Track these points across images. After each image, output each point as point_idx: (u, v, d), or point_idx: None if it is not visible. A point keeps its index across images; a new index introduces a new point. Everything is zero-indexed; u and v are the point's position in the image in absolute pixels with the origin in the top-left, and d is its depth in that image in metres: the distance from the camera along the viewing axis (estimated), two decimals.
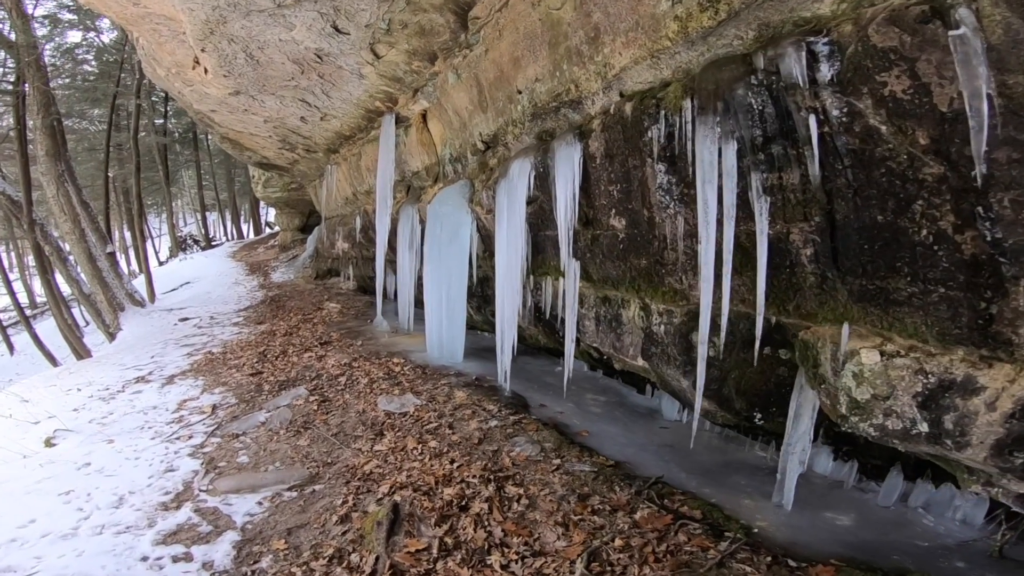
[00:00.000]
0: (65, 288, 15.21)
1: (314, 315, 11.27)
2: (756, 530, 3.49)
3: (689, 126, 3.37)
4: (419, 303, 9.62)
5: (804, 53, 2.69)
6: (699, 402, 3.60)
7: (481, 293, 7.67)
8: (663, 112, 3.63)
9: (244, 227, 33.15)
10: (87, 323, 16.94)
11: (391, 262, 11.26)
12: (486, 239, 7.03)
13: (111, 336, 12.90)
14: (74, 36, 27.91)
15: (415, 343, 8.38)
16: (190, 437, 5.62)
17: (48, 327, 16.93)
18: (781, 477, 3.76)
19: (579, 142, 4.57)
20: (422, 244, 8.98)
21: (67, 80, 25.83)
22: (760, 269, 3.00)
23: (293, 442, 5.10)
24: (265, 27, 7.30)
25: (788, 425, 3.54)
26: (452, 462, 4.28)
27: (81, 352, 13.40)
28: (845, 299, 2.88)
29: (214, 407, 6.35)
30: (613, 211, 4.38)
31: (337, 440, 5.00)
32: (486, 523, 3.42)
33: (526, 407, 5.58)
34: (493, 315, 7.87)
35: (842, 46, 2.57)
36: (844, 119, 2.62)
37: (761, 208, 2.99)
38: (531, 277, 6.01)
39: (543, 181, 5.14)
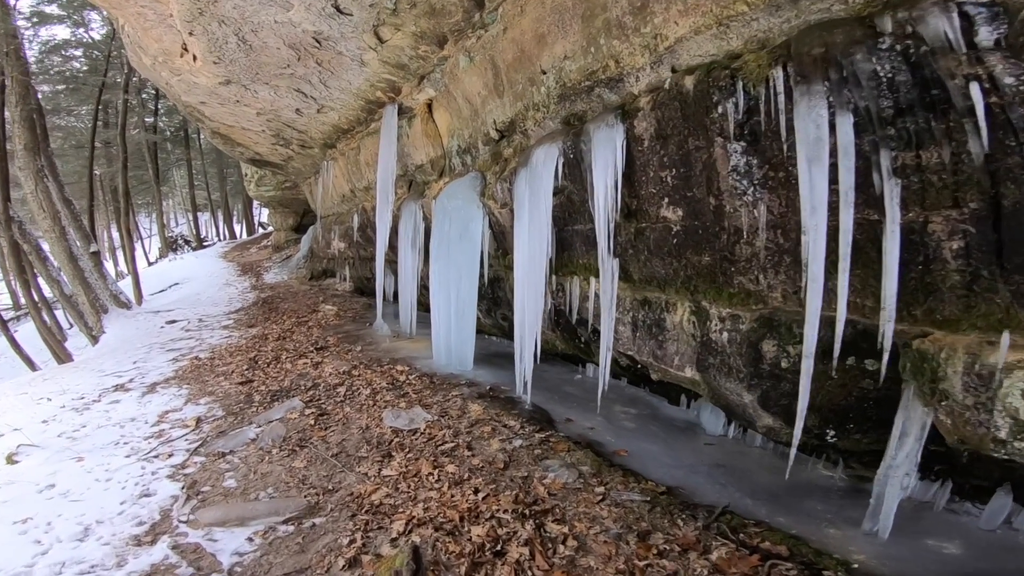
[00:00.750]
0: (48, 290, 14.39)
1: (309, 318, 10.57)
2: (856, 566, 2.87)
3: (780, 98, 2.76)
4: (422, 306, 8.97)
5: (955, 15, 2.15)
6: (800, 423, 2.96)
7: (491, 295, 7.02)
8: (740, 84, 3.01)
9: (237, 227, 32.34)
10: (71, 325, 16.12)
11: (391, 262, 10.58)
12: (499, 236, 6.37)
13: (94, 339, 12.14)
14: (63, 32, 27.21)
15: (419, 348, 7.71)
16: (170, 455, 4.94)
17: (31, 329, 16.10)
18: (876, 503, 3.14)
19: (621, 123, 3.94)
20: (426, 242, 8.34)
21: (55, 72, 25.03)
22: (891, 266, 2.38)
23: (288, 463, 4.42)
24: (260, 6, 6.63)
25: (891, 445, 2.92)
26: (476, 491, 3.61)
27: (62, 356, 12.63)
28: (1008, 302, 2.25)
29: (198, 420, 5.65)
30: (665, 200, 3.75)
31: (339, 462, 4.32)
32: (530, 574, 2.76)
33: (551, 422, 4.93)
34: (505, 318, 7.22)
35: (1009, 8, 2.02)
36: (1022, 88, 2.03)
37: (891, 192, 2.38)
38: (553, 277, 5.36)
39: (573, 169, 4.50)
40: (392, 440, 4.57)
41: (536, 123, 5.29)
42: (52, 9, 24.38)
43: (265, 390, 6.29)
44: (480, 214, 6.37)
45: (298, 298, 13.34)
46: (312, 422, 5.16)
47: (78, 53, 26.61)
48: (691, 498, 3.62)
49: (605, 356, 4.46)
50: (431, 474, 3.89)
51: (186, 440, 5.24)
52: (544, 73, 4.95)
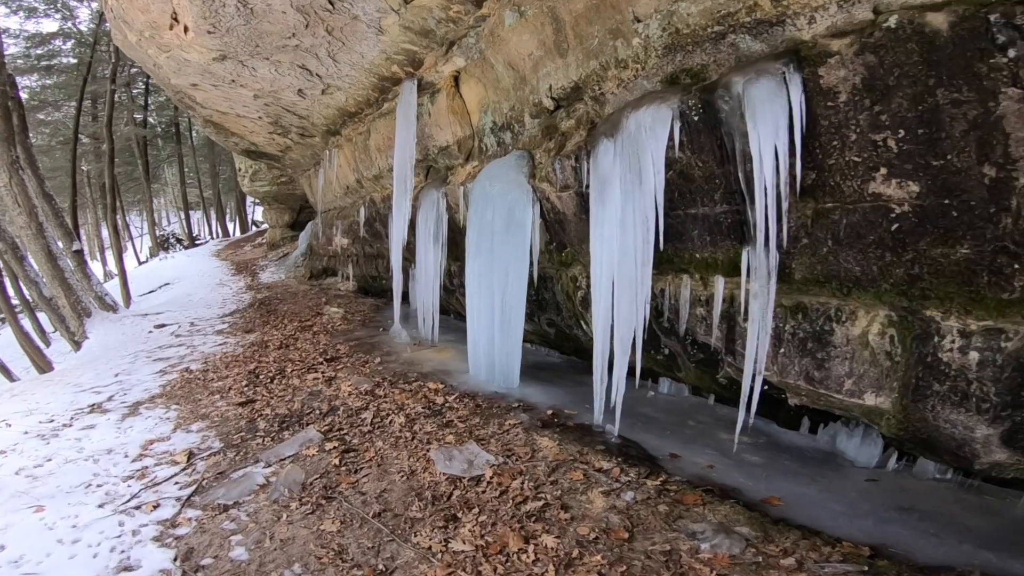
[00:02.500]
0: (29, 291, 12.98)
1: (313, 322, 9.31)
2: None
3: None
4: (445, 309, 7.74)
5: None
6: None
7: (536, 297, 5.82)
8: None
9: (230, 225, 30.80)
10: (56, 329, 14.69)
11: (405, 260, 9.35)
12: (555, 225, 5.17)
13: (76, 345, 10.80)
14: (50, 26, 25.67)
15: (447, 360, 6.51)
16: (156, 506, 3.74)
17: (10, 335, 14.64)
18: None
19: (797, 72, 2.76)
20: (450, 236, 7.14)
21: (42, 66, 23.53)
22: None
23: (315, 525, 3.20)
24: None
25: None
26: None
27: (41, 364, 11.27)
28: None
29: (191, 454, 4.42)
30: (882, 172, 2.57)
31: (385, 526, 3.11)
32: None
33: (652, 460, 3.75)
34: (551, 324, 6.03)
35: None
36: None
37: None
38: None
39: (698, 136, 3.32)
40: (451, 493, 3.35)
41: (621, 84, 4.10)
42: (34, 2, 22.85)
43: (271, 414, 5.05)
44: (528, 200, 5.17)
45: (298, 299, 12.06)
46: (336, 461, 3.94)
47: (66, 47, 25.09)
48: (913, 559, 2.53)
49: (752, 383, 3.27)
50: (523, 550, 2.69)
51: (176, 484, 4.01)
52: (639, 21, 3.75)
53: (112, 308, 12.16)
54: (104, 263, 28.16)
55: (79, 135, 24.40)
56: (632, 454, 3.78)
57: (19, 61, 24.09)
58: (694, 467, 3.63)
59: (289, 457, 4.12)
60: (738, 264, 3.37)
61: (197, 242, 26.43)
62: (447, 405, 4.85)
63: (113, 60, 17.38)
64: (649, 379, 5.47)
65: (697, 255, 3.73)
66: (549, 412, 4.64)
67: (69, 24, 24.33)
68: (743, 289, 3.29)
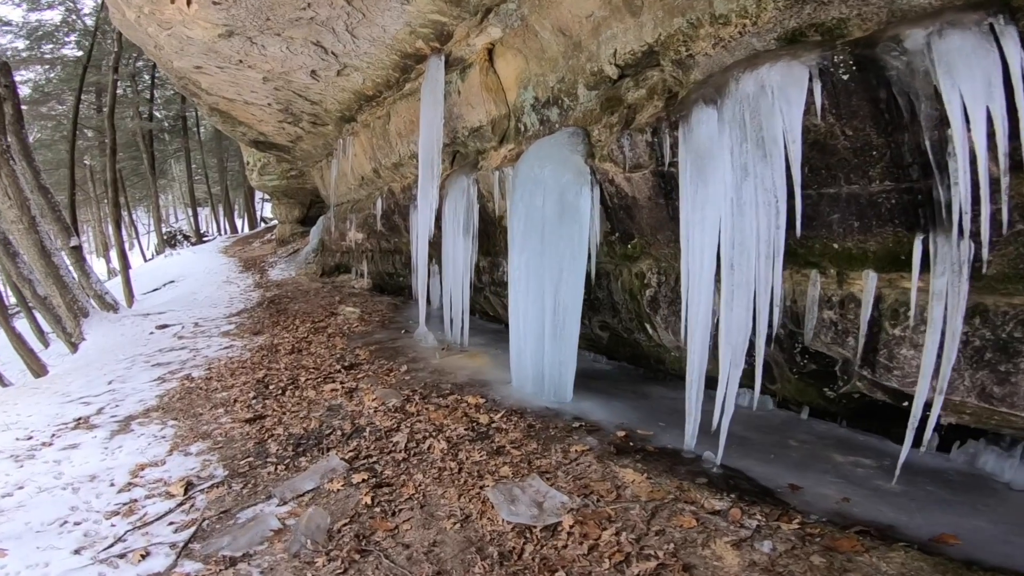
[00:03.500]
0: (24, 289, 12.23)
1: (327, 322, 8.53)
2: None
3: None
4: (471, 309, 6.95)
5: None
6: None
7: (588, 296, 5.01)
8: None
9: (238, 222, 30.06)
10: (53, 330, 13.97)
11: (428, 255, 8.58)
12: (618, 211, 4.38)
13: (73, 347, 10.06)
14: (54, 17, 25.01)
15: (481, 367, 5.71)
16: (145, 555, 3.01)
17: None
18: None
19: (1011, 23, 2.02)
20: (481, 228, 6.35)
21: (45, 55, 22.89)
22: None
23: None
24: None
25: None
26: None
27: (36, 368, 10.54)
28: None
29: (189, 485, 3.64)
30: None
31: None
32: None
33: (769, 494, 2.95)
34: (604, 327, 5.23)
35: None
36: None
37: None
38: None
39: (847, 98, 2.53)
40: (522, 549, 2.56)
41: (719, 44, 3.30)
42: None
43: (284, 435, 4.27)
44: (585, 183, 4.37)
45: (309, 297, 11.28)
46: (368, 500, 3.15)
47: (70, 40, 24.45)
48: None
49: (920, 401, 2.47)
50: None
51: (170, 524, 3.25)
52: None
53: (112, 307, 11.42)
54: (109, 260, 27.48)
55: (83, 129, 23.76)
56: (743, 487, 2.99)
57: (23, 54, 23.49)
58: (825, 501, 2.85)
59: (309, 492, 3.34)
60: (900, 256, 2.56)
61: (204, 239, 25.71)
62: (494, 426, 4.05)
63: (116, 49, 16.67)
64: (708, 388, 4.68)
65: (835, 245, 2.91)
66: (620, 434, 3.83)
67: (73, 17, 23.69)
68: (913, 287, 2.48)
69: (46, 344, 14.04)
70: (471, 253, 6.46)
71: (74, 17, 23.89)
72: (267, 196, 33.10)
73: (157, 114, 27.71)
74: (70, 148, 14.94)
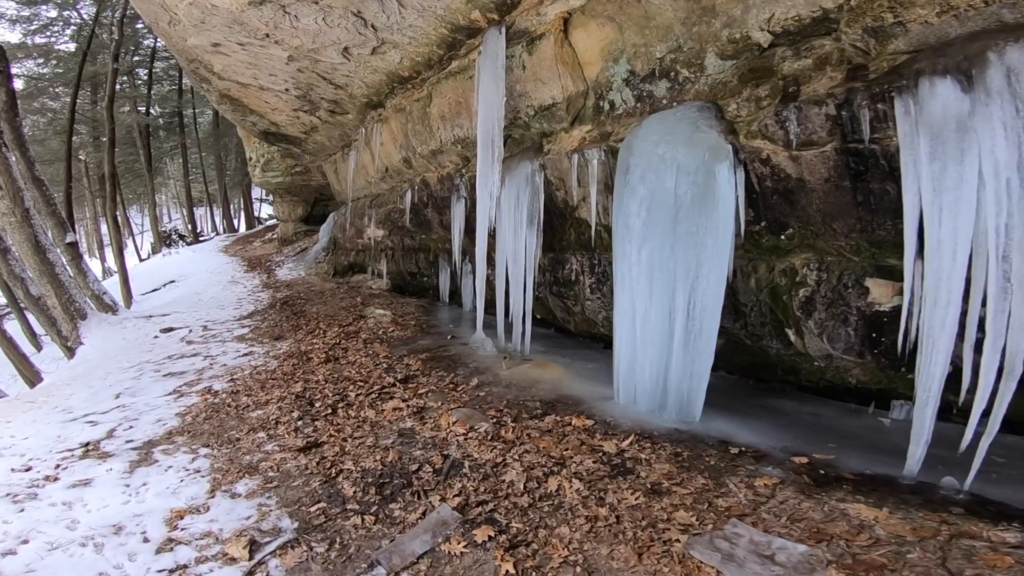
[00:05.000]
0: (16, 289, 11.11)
1: (357, 326, 7.58)
2: None
3: None
4: (540, 319, 6.05)
5: None
6: None
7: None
8: None
9: (235, 221, 28.84)
10: (46, 332, 12.84)
11: (465, 250, 7.68)
12: (772, 197, 3.52)
13: (69, 352, 9.02)
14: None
15: (559, 379, 4.82)
16: None
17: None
18: None
19: None
20: (546, 220, 5.48)
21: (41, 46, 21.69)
22: None
23: None
24: None
25: None
26: None
27: (29, 375, 9.49)
28: None
29: (251, 544, 2.71)
30: None
31: None
32: None
33: None
34: (721, 331, 4.33)
35: None
36: None
37: None
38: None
39: None
40: None
41: (948, 12, 2.59)
42: None
43: (355, 470, 3.34)
44: (726, 164, 3.50)
45: (326, 299, 10.31)
46: (509, 567, 2.28)
47: (66, 33, 23.22)
48: None
49: None
50: None
51: None
52: None
53: (111, 309, 10.39)
54: (103, 260, 26.18)
55: (78, 124, 22.52)
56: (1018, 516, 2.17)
57: (18, 53, 22.27)
58: None
59: (423, 557, 2.43)
60: None
61: (201, 238, 24.56)
62: (628, 455, 3.17)
63: (116, 38, 15.62)
64: (872, 402, 3.85)
65: None
66: (799, 461, 2.99)
67: (67, 12, 22.48)
68: None
69: (39, 347, 12.93)
70: (535, 248, 5.58)
71: (68, 11, 22.69)
72: (265, 196, 31.98)
73: (153, 111, 26.52)
74: (67, 139, 13.83)
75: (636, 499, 2.69)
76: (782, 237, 3.66)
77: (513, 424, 3.75)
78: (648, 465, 3.04)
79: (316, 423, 4.17)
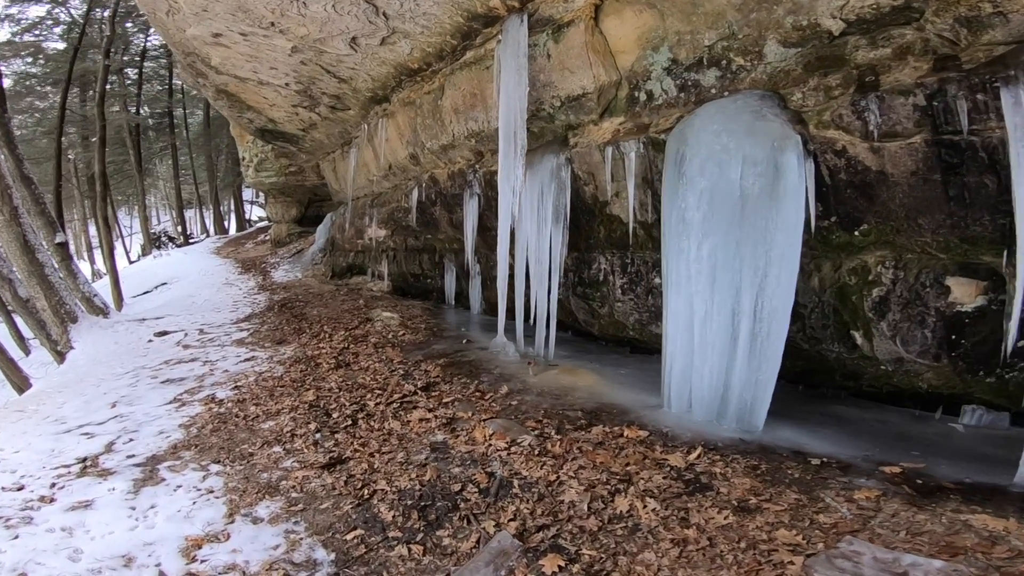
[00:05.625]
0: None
1: (365, 330, 7.21)
2: None
3: None
4: (559, 322, 5.68)
5: None
6: None
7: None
8: None
9: (225, 223, 28.20)
10: (35, 335, 12.31)
11: (478, 250, 7.34)
12: (845, 191, 3.23)
13: (59, 356, 8.56)
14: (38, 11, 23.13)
15: (594, 386, 4.49)
16: None
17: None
18: None
19: None
20: (572, 217, 5.16)
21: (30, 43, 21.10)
22: None
23: None
24: None
25: None
26: None
27: (17, 381, 9.00)
28: None
29: None
30: None
31: None
32: None
33: None
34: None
35: None
36: None
37: None
38: None
39: None
40: None
41: None
42: None
43: (390, 490, 2.99)
44: (794, 155, 3.19)
45: (326, 301, 9.91)
46: None
47: (56, 31, 22.61)
48: None
49: None
50: None
51: None
52: None
53: (103, 311, 9.93)
54: (92, 262, 25.48)
55: (65, 124, 21.90)
56: None
57: (6, 51, 21.66)
58: None
59: None
60: None
61: (192, 240, 23.97)
62: (699, 470, 2.86)
63: (108, 34, 15.15)
64: (941, 408, 3.59)
65: None
66: (890, 471, 2.70)
67: (57, 10, 21.89)
68: None
69: (27, 351, 12.42)
70: (561, 246, 5.25)
71: (57, 10, 22.08)
72: (256, 198, 31.39)
73: (143, 111, 25.93)
74: (57, 136, 13.30)
75: (725, 518, 2.38)
76: (855, 233, 3.36)
77: (558, 436, 3.40)
78: (726, 480, 2.73)
79: (336, 436, 3.80)
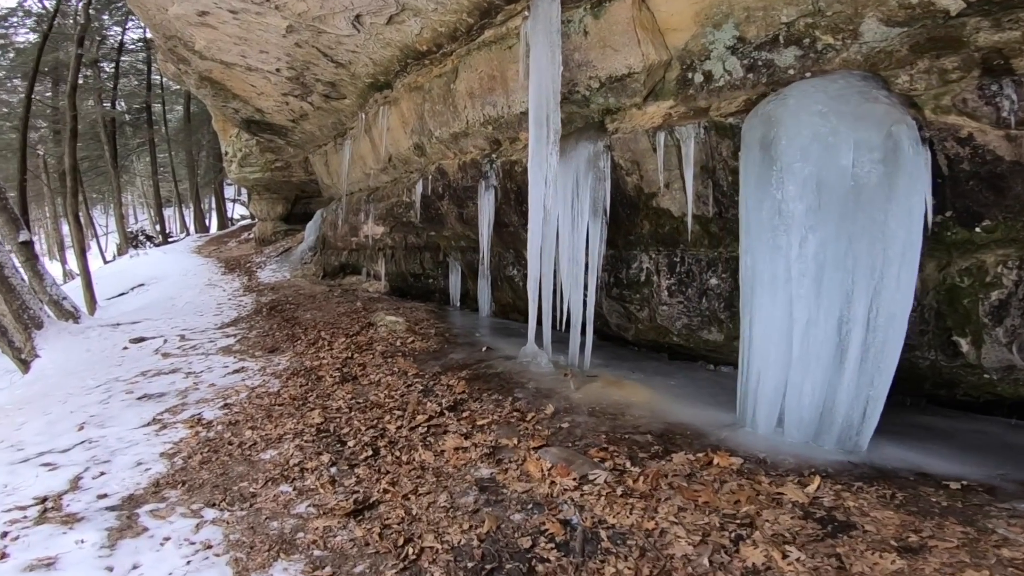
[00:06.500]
0: None
1: (367, 336, 6.50)
2: None
3: None
4: (602, 330, 5.04)
5: None
6: None
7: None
8: None
9: (205, 221, 27.00)
10: None
11: (494, 246, 6.70)
12: (964, 182, 2.70)
13: (24, 365, 7.70)
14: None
15: (648, 402, 3.85)
16: None
17: None
18: None
19: None
20: (612, 207, 4.53)
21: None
22: None
23: None
24: None
25: None
26: None
27: None
28: None
29: None
30: None
31: None
32: None
33: None
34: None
35: None
36: None
37: None
38: None
39: None
40: None
41: None
42: None
43: (440, 547, 2.31)
44: (910, 143, 2.62)
45: (320, 303, 9.15)
46: None
47: (28, 22, 21.41)
48: None
49: None
50: None
51: None
52: None
53: (73, 316, 9.07)
54: (64, 262, 24.23)
55: (35, 118, 20.72)
56: None
57: None
58: None
59: None
60: None
61: (171, 239, 22.85)
62: (827, 503, 2.30)
63: (82, 22, 14.19)
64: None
65: None
66: None
67: (30, 2, 20.72)
68: None
69: None
70: (600, 243, 4.62)
71: (31, 1, 20.91)
72: (238, 195, 30.27)
73: (120, 105, 24.77)
74: (22, 128, 12.33)
75: (892, 563, 1.82)
76: (976, 229, 2.80)
77: (636, 469, 2.76)
78: (865, 515, 2.17)
79: (356, 471, 3.11)
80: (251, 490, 3.03)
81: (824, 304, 2.83)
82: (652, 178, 4.32)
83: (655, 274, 4.62)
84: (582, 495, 2.58)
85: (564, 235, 4.68)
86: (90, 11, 16.15)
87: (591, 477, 2.71)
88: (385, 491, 2.83)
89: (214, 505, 2.90)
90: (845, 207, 2.77)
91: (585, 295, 4.62)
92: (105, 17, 21.98)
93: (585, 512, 2.45)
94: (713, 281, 4.18)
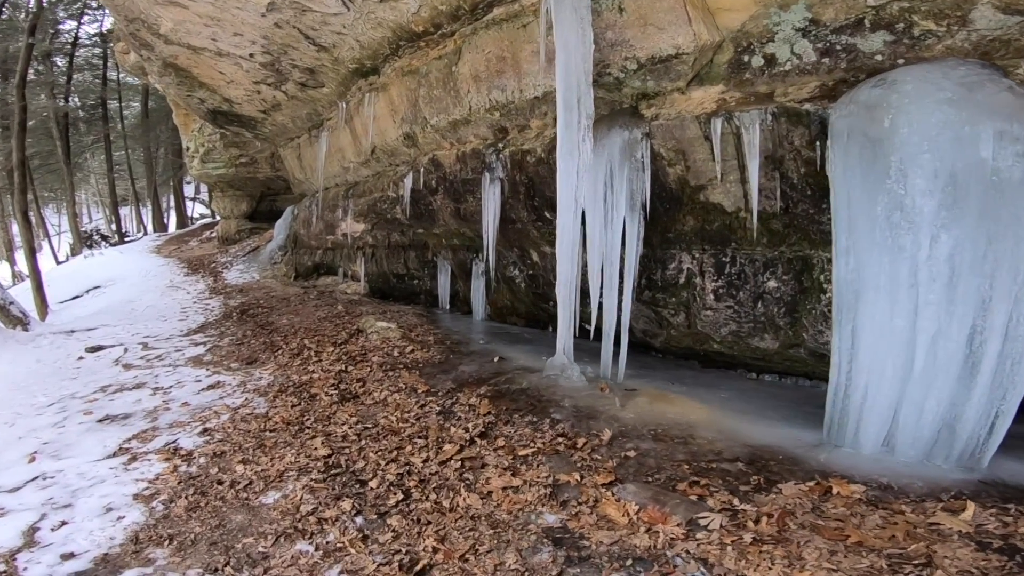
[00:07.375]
0: None
1: (358, 345, 5.79)
2: None
3: None
4: (630, 340, 4.48)
5: None
6: None
7: None
8: None
9: (164, 219, 25.37)
10: None
11: (496, 242, 6.09)
12: None
13: None
14: None
15: (708, 420, 3.31)
16: None
17: None
18: None
19: None
20: (651, 201, 3.99)
21: None
22: None
23: None
24: None
25: None
26: None
27: None
28: None
29: None
30: None
31: None
32: None
33: None
34: None
35: None
36: None
37: None
38: None
39: None
40: None
41: None
42: None
43: None
44: None
45: (295, 307, 8.34)
46: None
47: None
48: None
49: None
50: None
51: None
52: None
53: (21, 322, 8.06)
54: (13, 263, 22.41)
55: None
56: None
57: None
58: None
59: None
60: None
61: (128, 239, 21.35)
62: (994, 530, 1.88)
63: (34, 9, 12.97)
64: None
65: None
66: None
67: None
68: None
69: None
70: (637, 241, 4.05)
71: None
72: (198, 194, 28.71)
73: (74, 101, 23.07)
74: None
75: None
76: None
77: (749, 507, 2.20)
78: None
79: (389, 521, 2.46)
80: (260, 549, 2.34)
81: (958, 312, 2.34)
82: (701, 169, 3.78)
83: (698, 275, 4.08)
84: (698, 545, 2.00)
85: (594, 232, 4.11)
86: (43, 2, 14.85)
87: (701, 522, 2.13)
88: (435, 550, 2.19)
89: (216, 572, 2.21)
90: (985, 204, 2.30)
91: (620, 299, 4.06)
92: (60, 12, 20.43)
93: (715, 569, 1.86)
94: (772, 284, 3.66)
